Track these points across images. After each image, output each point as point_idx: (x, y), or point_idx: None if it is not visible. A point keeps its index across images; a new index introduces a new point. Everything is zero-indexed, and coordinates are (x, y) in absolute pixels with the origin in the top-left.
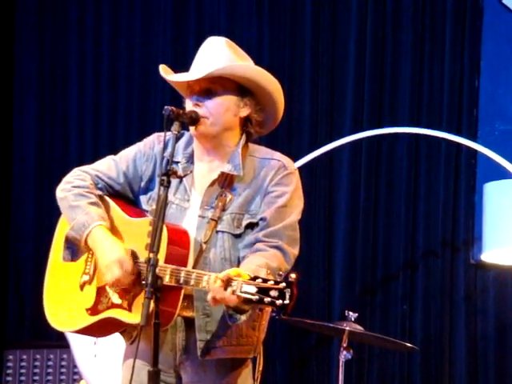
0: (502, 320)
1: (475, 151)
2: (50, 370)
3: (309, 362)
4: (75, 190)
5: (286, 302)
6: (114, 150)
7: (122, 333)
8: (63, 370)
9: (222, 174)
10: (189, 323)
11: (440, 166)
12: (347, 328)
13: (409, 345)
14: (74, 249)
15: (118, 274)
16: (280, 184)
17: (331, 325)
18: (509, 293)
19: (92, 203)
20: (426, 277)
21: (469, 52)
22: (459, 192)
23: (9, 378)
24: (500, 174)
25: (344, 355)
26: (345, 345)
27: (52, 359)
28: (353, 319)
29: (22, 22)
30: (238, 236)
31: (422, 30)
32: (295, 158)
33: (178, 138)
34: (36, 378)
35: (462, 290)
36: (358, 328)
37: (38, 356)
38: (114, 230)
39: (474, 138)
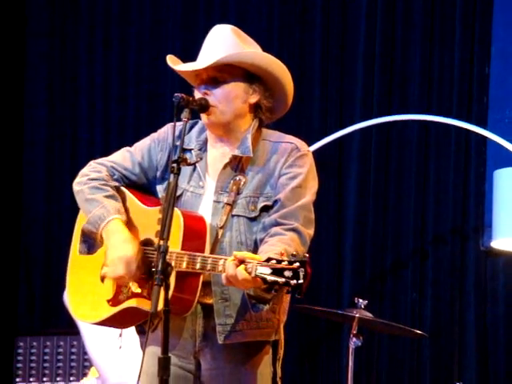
0: (511, 306)
1: (485, 138)
2: (60, 357)
3: (319, 349)
4: (91, 183)
5: (301, 281)
6: (124, 142)
7: (144, 322)
8: (73, 356)
9: (234, 157)
10: (207, 310)
11: (450, 153)
12: (357, 315)
13: (418, 332)
14: (91, 242)
15: (121, 272)
16: (294, 165)
17: (341, 312)
18: None
19: (108, 196)
20: (435, 264)
21: (479, 39)
22: (469, 179)
23: (19, 365)
24: (510, 160)
25: (354, 342)
26: (354, 332)
27: (62, 346)
28: (362, 306)
29: (33, 13)
30: (253, 219)
31: (432, 15)
32: None
33: (191, 126)
34: (46, 364)
35: (472, 277)
36: (368, 315)
37: (48, 343)
38: (130, 220)
39: (484, 125)
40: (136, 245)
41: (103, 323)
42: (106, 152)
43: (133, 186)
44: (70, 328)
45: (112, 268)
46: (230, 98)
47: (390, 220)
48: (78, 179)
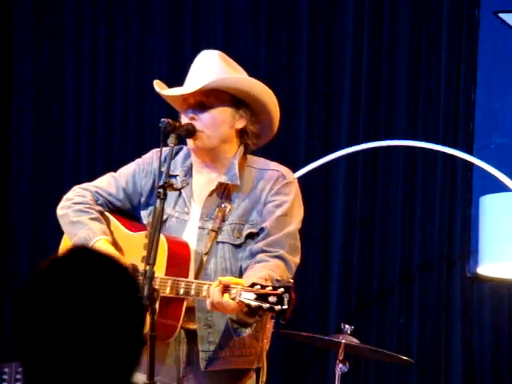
0: (498, 333)
1: (471, 164)
2: None
3: (304, 375)
4: (75, 207)
5: (285, 306)
6: (110, 165)
7: None
8: None
9: (220, 184)
10: (191, 335)
11: (436, 179)
12: (343, 341)
13: (405, 358)
14: None
15: None
16: (279, 193)
17: (327, 337)
18: (505, 306)
19: (93, 218)
20: (422, 289)
21: (465, 65)
22: (455, 205)
23: None
24: (496, 187)
25: (340, 368)
26: (341, 357)
27: None
28: (349, 332)
29: (20, 29)
30: (238, 246)
31: (418, 42)
32: (291, 171)
33: (176, 152)
34: None
35: (458, 302)
36: (354, 341)
37: None
38: (114, 244)
39: (470, 151)
40: (124, 261)
41: None
42: (92, 176)
43: (117, 211)
44: None
45: None
46: (216, 122)
47: (377, 245)
48: (61, 203)
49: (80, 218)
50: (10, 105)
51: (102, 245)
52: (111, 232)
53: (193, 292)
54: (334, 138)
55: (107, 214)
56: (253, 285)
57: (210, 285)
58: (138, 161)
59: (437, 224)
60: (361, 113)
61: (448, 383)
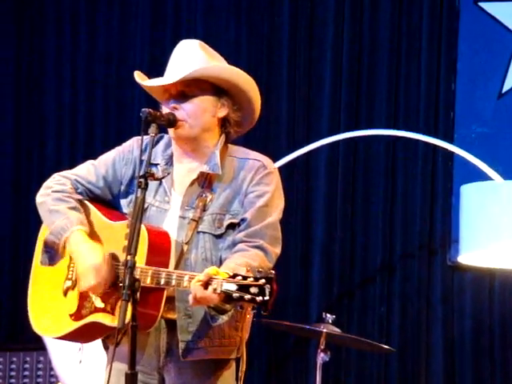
0: (478, 321)
1: (452, 153)
2: (26, 373)
3: (286, 365)
4: (54, 195)
5: (266, 298)
6: (91, 156)
7: (107, 337)
8: (40, 372)
9: (202, 174)
10: (172, 325)
11: (417, 168)
12: (324, 330)
13: (386, 346)
14: (52, 253)
15: (93, 282)
16: (260, 184)
17: (308, 327)
18: (485, 294)
19: (71, 208)
20: (403, 279)
21: (445, 54)
22: (436, 194)
23: None
24: (477, 175)
25: (321, 357)
26: (322, 347)
27: (28, 362)
28: (330, 321)
29: (1, 16)
30: (219, 236)
31: (399, 31)
32: (273, 160)
33: (157, 141)
34: (12, 380)
35: (439, 291)
36: (336, 330)
37: (14, 359)
38: (94, 234)
39: (450, 140)
40: (102, 252)
41: (65, 338)
42: (73, 166)
43: (96, 199)
44: (36, 343)
45: (84, 280)
46: (198, 112)
47: (358, 235)
48: (41, 191)
49: (58, 206)
50: None
51: (79, 235)
52: (91, 221)
53: (173, 282)
54: (315, 127)
55: (87, 202)
56: (234, 276)
57: (192, 276)
58: (119, 149)
59: (418, 213)
60: (342, 102)
61: (428, 371)
